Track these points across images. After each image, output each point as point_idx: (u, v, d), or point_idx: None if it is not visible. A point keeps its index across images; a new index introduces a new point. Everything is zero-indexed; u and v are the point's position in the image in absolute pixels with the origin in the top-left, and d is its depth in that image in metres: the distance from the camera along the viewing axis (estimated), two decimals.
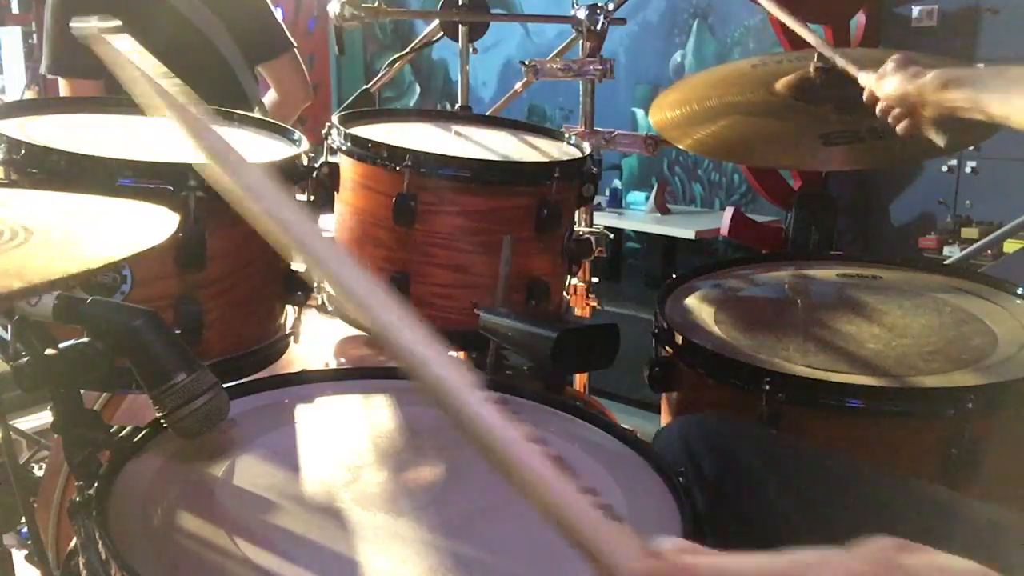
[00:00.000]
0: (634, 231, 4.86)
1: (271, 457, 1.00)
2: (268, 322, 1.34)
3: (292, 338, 1.38)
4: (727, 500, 1.07)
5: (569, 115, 5.31)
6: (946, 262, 3.40)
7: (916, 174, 4.21)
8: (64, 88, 2.37)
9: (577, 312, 1.92)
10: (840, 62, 1.46)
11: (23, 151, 1.13)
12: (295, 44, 2.62)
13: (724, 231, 3.70)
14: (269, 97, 2.66)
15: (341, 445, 1.04)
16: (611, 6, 2.00)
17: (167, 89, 0.73)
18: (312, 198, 1.37)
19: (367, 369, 1.25)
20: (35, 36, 5.79)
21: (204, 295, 1.20)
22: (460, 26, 1.99)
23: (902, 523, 0.99)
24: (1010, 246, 3.23)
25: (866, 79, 1.34)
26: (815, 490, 1.05)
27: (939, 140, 1.25)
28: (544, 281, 1.45)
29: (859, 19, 3.86)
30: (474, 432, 0.55)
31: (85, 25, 0.81)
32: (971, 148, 3.73)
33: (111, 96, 2.19)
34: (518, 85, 2.23)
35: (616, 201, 4.84)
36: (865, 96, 1.35)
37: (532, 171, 1.46)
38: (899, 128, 1.29)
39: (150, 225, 0.87)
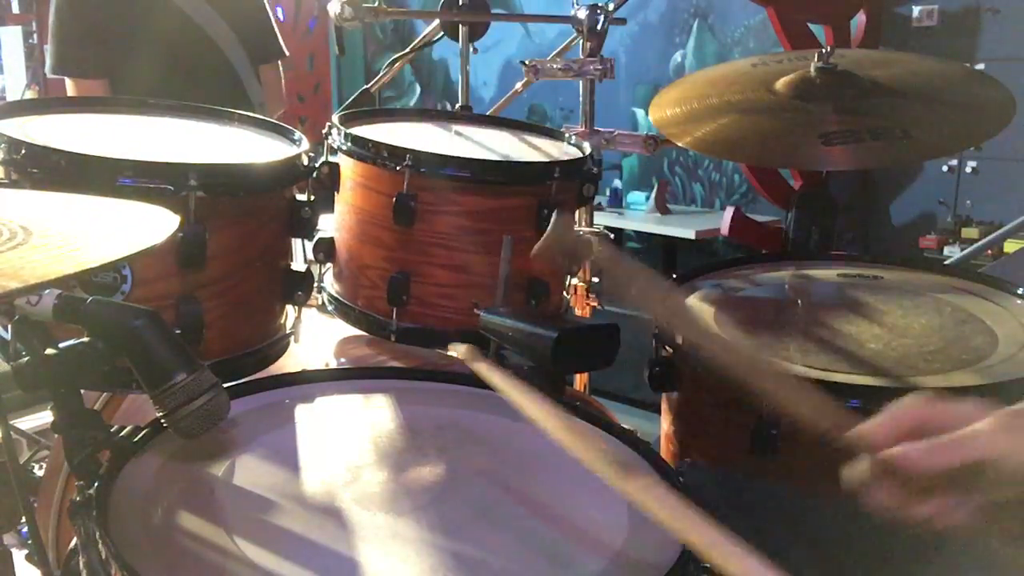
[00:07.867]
0: (634, 231, 4.86)
1: (271, 457, 1.00)
2: (268, 322, 1.34)
3: (292, 338, 1.38)
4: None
5: (569, 115, 5.31)
6: (946, 262, 3.39)
7: (916, 174, 4.21)
8: (70, 88, 2.37)
9: (577, 312, 1.92)
10: None
11: (24, 151, 1.13)
12: (287, 54, 2.65)
13: (724, 231, 3.70)
14: None
15: (341, 445, 1.04)
16: (611, 6, 2.00)
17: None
18: (312, 198, 1.37)
19: (367, 369, 1.25)
20: (35, 36, 5.79)
21: (204, 295, 1.20)
22: (460, 26, 1.99)
23: (899, 545, 0.98)
24: (1010, 246, 3.23)
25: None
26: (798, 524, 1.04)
27: None
28: (544, 281, 1.45)
29: (859, 19, 3.86)
30: None
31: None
32: (971, 148, 3.73)
33: (111, 96, 2.21)
34: (518, 85, 2.23)
35: (616, 201, 4.84)
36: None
37: (532, 171, 1.46)
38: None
39: (150, 225, 0.87)
